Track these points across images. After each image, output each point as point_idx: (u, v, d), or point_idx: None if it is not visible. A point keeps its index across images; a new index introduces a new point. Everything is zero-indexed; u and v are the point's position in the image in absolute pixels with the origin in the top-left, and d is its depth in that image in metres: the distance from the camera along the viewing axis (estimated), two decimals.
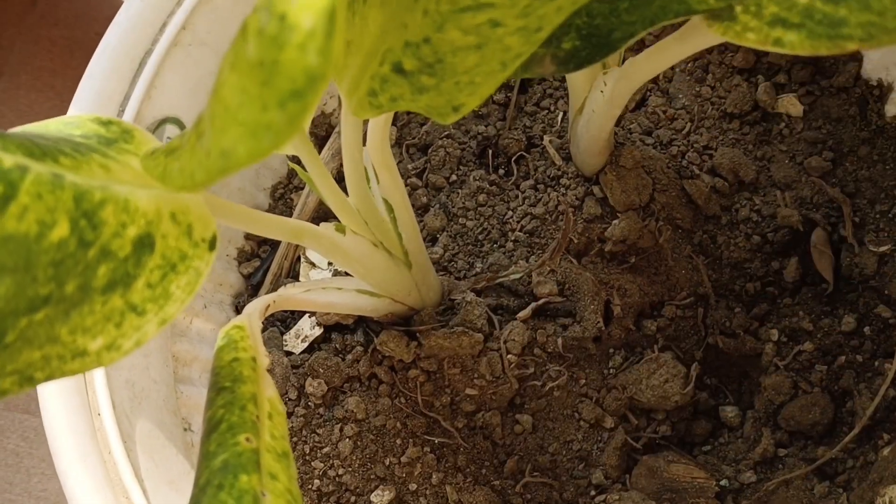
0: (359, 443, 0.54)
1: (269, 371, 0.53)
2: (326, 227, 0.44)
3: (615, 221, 0.57)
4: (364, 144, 0.44)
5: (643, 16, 0.34)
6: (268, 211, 0.63)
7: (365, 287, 0.50)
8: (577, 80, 0.52)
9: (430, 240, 0.61)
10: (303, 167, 0.42)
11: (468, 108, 0.35)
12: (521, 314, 0.55)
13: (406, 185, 0.62)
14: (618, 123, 0.61)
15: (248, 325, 0.39)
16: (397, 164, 0.62)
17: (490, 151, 0.62)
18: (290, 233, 0.41)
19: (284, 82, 0.22)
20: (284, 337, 0.57)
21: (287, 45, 0.21)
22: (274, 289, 0.59)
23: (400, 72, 0.35)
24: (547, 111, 0.62)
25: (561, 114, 0.61)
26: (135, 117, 0.50)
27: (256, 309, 0.41)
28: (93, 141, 0.33)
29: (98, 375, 0.45)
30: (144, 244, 0.31)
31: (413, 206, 0.62)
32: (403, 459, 0.54)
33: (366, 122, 0.44)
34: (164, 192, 0.32)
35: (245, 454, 0.32)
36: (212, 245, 0.33)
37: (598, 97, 0.48)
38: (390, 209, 0.48)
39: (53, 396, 0.44)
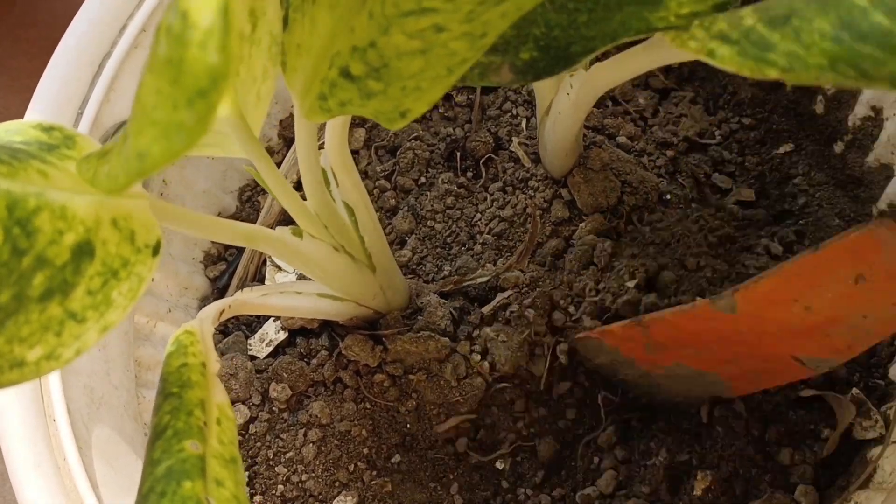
0: (323, 448, 0.53)
1: (233, 376, 0.53)
2: (283, 232, 0.44)
3: (582, 224, 0.56)
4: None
5: (603, 31, 0.34)
6: (234, 214, 0.63)
7: (327, 291, 0.50)
8: (543, 83, 0.51)
9: (399, 242, 0.61)
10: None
11: (415, 113, 0.34)
12: (486, 308, 0.55)
13: (375, 188, 0.62)
14: (587, 125, 0.61)
15: (198, 331, 0.38)
16: (366, 166, 0.62)
17: (458, 154, 0.62)
18: (242, 237, 0.40)
19: (190, 81, 0.22)
20: (249, 341, 0.57)
21: (190, 43, 0.21)
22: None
23: (347, 76, 0.35)
24: (510, 114, 0.62)
25: (524, 117, 0.61)
26: (93, 120, 0.49)
27: (209, 314, 0.40)
28: (33, 147, 0.32)
29: (54, 381, 0.45)
30: (83, 251, 0.30)
31: (382, 208, 0.62)
32: (367, 465, 0.53)
33: (324, 125, 0.44)
34: (105, 197, 0.32)
35: (190, 460, 0.32)
36: (155, 251, 0.32)
37: (565, 99, 0.48)
38: (351, 212, 0.48)
39: (7, 402, 0.43)
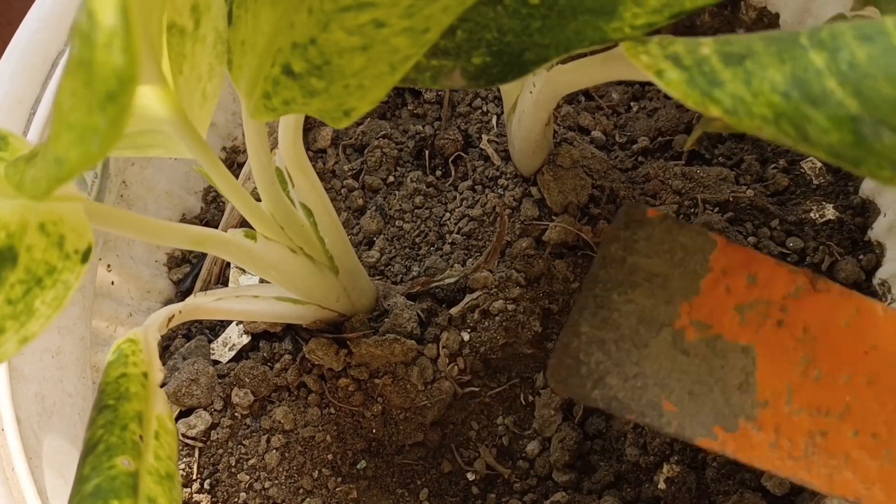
0: (286, 454, 0.52)
1: (195, 381, 0.52)
2: (235, 234, 0.42)
3: (552, 224, 0.55)
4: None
5: (557, 40, 0.32)
6: (199, 215, 0.61)
7: (286, 294, 0.48)
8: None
9: (367, 243, 0.59)
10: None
11: (359, 112, 0.33)
12: (454, 310, 0.54)
13: (342, 187, 0.61)
14: (559, 122, 0.59)
15: (142, 339, 0.37)
16: (333, 165, 0.60)
17: (427, 152, 0.60)
18: (191, 241, 0.39)
19: (100, 83, 0.20)
20: (212, 345, 0.55)
21: (96, 44, 0.20)
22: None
23: (290, 74, 0.33)
24: (480, 111, 0.60)
25: (494, 114, 0.60)
26: (46, 120, 0.48)
27: (156, 320, 0.39)
28: None
29: (2, 389, 0.44)
30: (5, 258, 0.29)
31: (349, 208, 0.60)
32: (331, 471, 0.52)
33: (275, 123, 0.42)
34: (32, 201, 0.31)
35: (119, 478, 0.31)
36: (85, 257, 0.31)
37: (528, 97, 0.47)
38: (309, 213, 0.46)
39: None
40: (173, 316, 0.41)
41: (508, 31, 0.33)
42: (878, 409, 0.33)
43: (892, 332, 0.32)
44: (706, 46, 0.27)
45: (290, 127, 0.42)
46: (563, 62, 0.46)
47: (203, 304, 0.43)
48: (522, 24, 0.33)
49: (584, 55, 0.42)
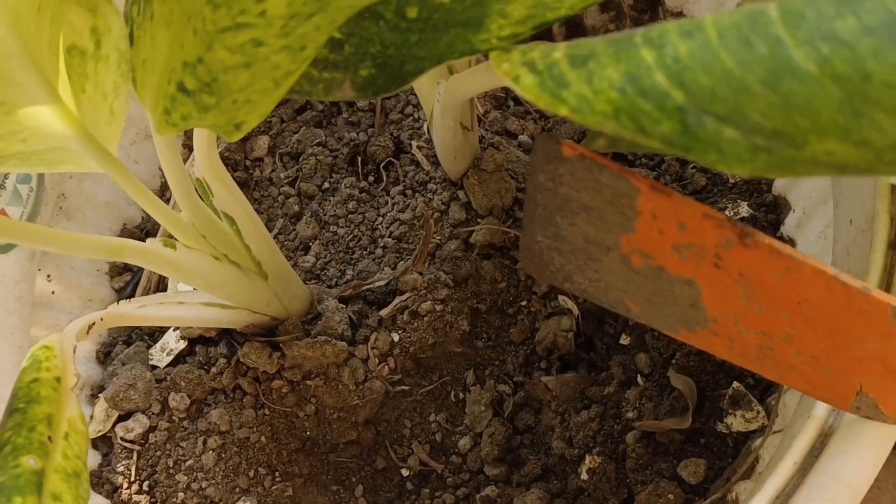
0: (222, 455, 0.54)
1: (132, 386, 0.53)
2: (153, 243, 0.44)
3: (478, 226, 0.57)
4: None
5: (431, 52, 0.34)
6: (140, 224, 0.63)
7: (214, 300, 0.50)
8: (423, 89, 0.52)
9: (303, 248, 0.61)
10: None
11: (249, 125, 0.35)
12: (384, 311, 0.55)
13: (279, 194, 0.62)
14: (484, 126, 0.61)
15: (58, 345, 0.39)
16: (270, 172, 0.62)
17: (360, 158, 0.62)
18: (107, 251, 0.41)
19: None
20: (150, 351, 0.57)
21: None
22: None
23: (184, 91, 0.35)
24: (412, 117, 0.62)
25: (425, 120, 0.61)
26: None
27: (75, 328, 0.41)
28: None
29: None
30: None
31: (286, 214, 0.62)
32: (267, 470, 0.54)
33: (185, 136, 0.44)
34: None
35: (24, 476, 0.32)
36: None
37: (436, 105, 0.49)
38: (231, 221, 0.48)
39: None
40: (94, 323, 0.42)
41: (390, 44, 0.35)
42: (816, 341, 0.34)
43: (822, 289, 0.33)
44: (559, 50, 0.29)
45: (203, 138, 0.43)
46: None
47: (126, 312, 0.45)
48: (402, 38, 0.34)
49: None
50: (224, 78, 0.34)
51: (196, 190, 0.46)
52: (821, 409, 0.39)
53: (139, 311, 0.46)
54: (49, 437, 0.35)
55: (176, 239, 0.46)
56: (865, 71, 0.22)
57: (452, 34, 0.34)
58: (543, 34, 0.64)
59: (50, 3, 0.32)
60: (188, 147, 0.65)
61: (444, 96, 0.46)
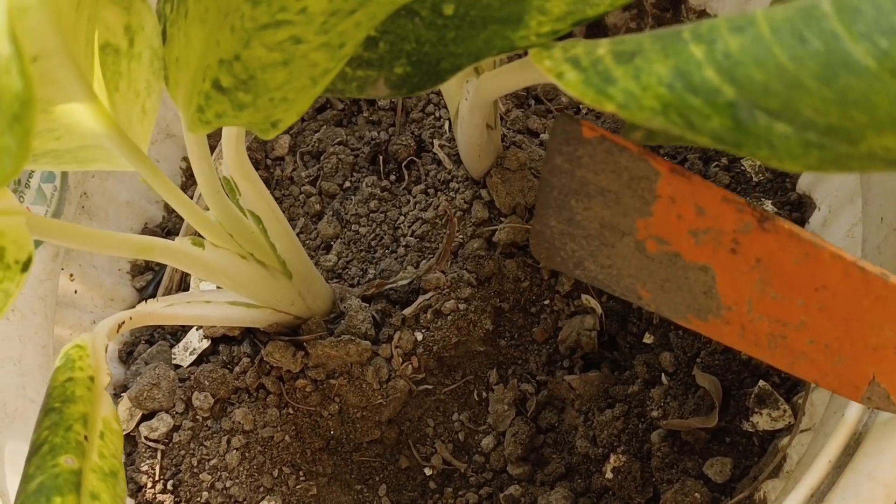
0: (246, 454, 0.54)
1: (156, 385, 0.53)
2: (182, 242, 0.44)
3: (501, 225, 0.57)
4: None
5: (468, 49, 0.34)
6: (161, 224, 0.63)
7: (240, 299, 0.50)
8: (450, 87, 0.52)
9: (325, 247, 0.61)
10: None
11: (286, 123, 0.35)
12: (407, 311, 0.55)
13: (300, 193, 0.62)
14: (506, 125, 0.61)
15: (90, 344, 0.39)
16: (291, 171, 0.62)
17: (381, 157, 0.62)
18: (137, 250, 0.41)
19: (6, 107, 0.22)
20: (173, 350, 0.57)
21: None
22: None
23: (219, 88, 0.35)
24: (433, 116, 0.62)
25: (447, 119, 0.61)
26: None
27: (105, 327, 0.41)
28: None
29: None
30: None
31: (307, 213, 0.62)
32: (291, 470, 0.54)
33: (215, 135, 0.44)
34: None
35: (62, 475, 0.32)
36: (25, 267, 0.33)
37: (464, 104, 0.49)
38: (258, 220, 0.48)
39: None
40: (123, 322, 0.42)
41: (426, 41, 0.35)
42: (830, 329, 0.34)
43: (840, 275, 0.33)
44: (602, 47, 0.29)
45: (232, 137, 0.43)
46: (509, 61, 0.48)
47: (154, 311, 0.45)
48: (438, 35, 0.34)
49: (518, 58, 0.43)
50: (261, 75, 0.33)
51: (223, 188, 0.46)
52: (854, 408, 0.39)
53: (167, 310, 0.46)
54: (85, 437, 0.34)
55: (203, 237, 0.46)
56: None
57: (490, 31, 0.33)
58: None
59: (88, 0, 0.32)
60: (210, 146, 0.65)
61: (473, 95, 0.46)
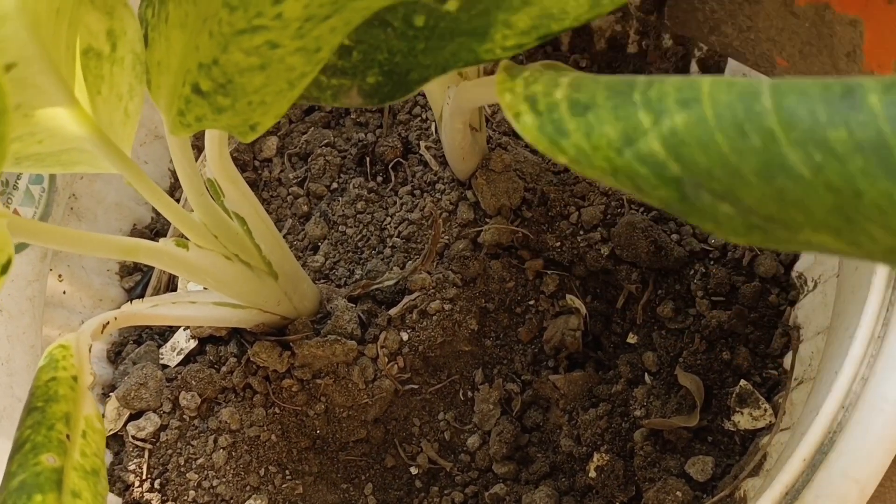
0: (233, 453, 0.54)
1: (143, 385, 0.54)
2: (166, 243, 0.44)
3: (486, 226, 0.57)
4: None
5: (436, 60, 0.34)
6: (150, 225, 0.63)
7: (226, 299, 0.50)
8: (434, 91, 0.52)
9: (312, 248, 0.61)
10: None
11: (264, 126, 0.35)
12: (393, 311, 0.56)
13: (288, 195, 0.63)
14: (492, 127, 0.61)
15: (74, 344, 0.39)
16: (279, 173, 0.63)
17: (368, 159, 0.62)
18: (120, 251, 0.41)
19: None
20: (161, 350, 0.57)
21: None
22: None
23: (199, 92, 0.36)
24: (419, 118, 0.62)
25: (433, 121, 0.62)
26: None
27: (90, 327, 0.41)
28: None
29: None
30: None
31: (295, 214, 0.63)
32: (277, 468, 0.54)
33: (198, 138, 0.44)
34: None
35: (44, 474, 0.33)
36: (4, 269, 0.33)
37: (446, 107, 0.49)
38: (242, 221, 0.48)
39: None
40: (108, 322, 0.43)
41: (397, 52, 0.35)
42: None
43: None
44: (560, 90, 0.28)
45: (215, 140, 0.44)
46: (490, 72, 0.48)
47: (139, 311, 0.45)
48: (409, 46, 0.35)
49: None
50: (239, 79, 0.34)
51: (207, 190, 0.46)
52: (829, 406, 0.40)
53: (152, 310, 0.46)
54: (67, 436, 0.35)
55: (188, 239, 0.46)
56: (856, 189, 0.21)
57: (457, 43, 0.34)
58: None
59: (68, 6, 0.32)
60: (198, 148, 0.66)
61: (453, 101, 0.46)
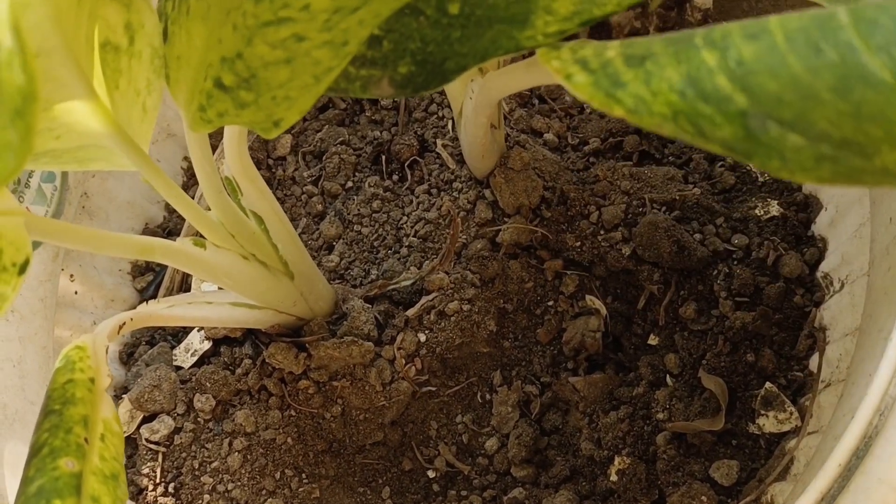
0: (248, 456, 0.53)
1: (157, 387, 0.53)
2: (183, 242, 0.43)
3: (504, 225, 0.56)
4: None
5: (474, 49, 0.33)
6: (162, 224, 0.62)
7: (241, 300, 0.50)
8: (454, 87, 0.51)
9: (327, 248, 0.60)
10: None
11: (288, 122, 0.34)
12: (410, 312, 0.55)
13: (302, 193, 0.62)
14: (510, 125, 0.61)
15: (90, 346, 0.38)
16: (293, 171, 0.62)
17: (384, 157, 0.62)
18: (137, 250, 0.40)
19: (7, 101, 0.22)
20: (174, 352, 0.56)
21: (1, 63, 0.21)
22: None
23: (221, 87, 0.35)
24: (436, 116, 0.62)
25: (449, 118, 0.61)
26: None
27: (106, 328, 0.40)
28: None
29: None
30: None
31: (309, 213, 0.62)
32: (294, 472, 0.53)
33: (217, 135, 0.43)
34: None
35: (63, 479, 0.32)
36: (22, 269, 0.32)
37: (468, 103, 0.48)
38: (260, 220, 0.48)
39: None
40: (124, 323, 0.42)
41: (431, 41, 0.34)
42: None
43: None
44: (612, 49, 0.28)
45: (234, 137, 0.43)
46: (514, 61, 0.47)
47: (155, 312, 0.44)
48: (443, 34, 0.34)
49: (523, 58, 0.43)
50: (264, 74, 0.33)
51: (225, 188, 0.45)
52: (865, 410, 0.39)
53: (168, 311, 0.45)
54: (85, 439, 0.34)
55: (205, 238, 0.45)
56: None
57: (496, 30, 0.33)
58: None
59: None
60: (213, 146, 0.65)
61: (477, 95, 0.45)
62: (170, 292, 0.59)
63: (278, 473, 0.54)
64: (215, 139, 0.59)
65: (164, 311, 0.45)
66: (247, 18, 0.32)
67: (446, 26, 0.34)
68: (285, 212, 0.61)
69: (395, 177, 0.61)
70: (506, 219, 0.56)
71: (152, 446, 0.53)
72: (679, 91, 0.25)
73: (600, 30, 0.64)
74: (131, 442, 0.55)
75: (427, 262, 0.57)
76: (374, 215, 0.60)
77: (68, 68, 0.30)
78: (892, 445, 0.37)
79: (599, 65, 0.28)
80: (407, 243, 0.58)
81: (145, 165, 0.38)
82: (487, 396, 0.57)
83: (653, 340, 0.56)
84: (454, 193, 0.58)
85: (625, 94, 0.26)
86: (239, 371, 0.54)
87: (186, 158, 0.64)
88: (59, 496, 0.31)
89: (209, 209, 0.45)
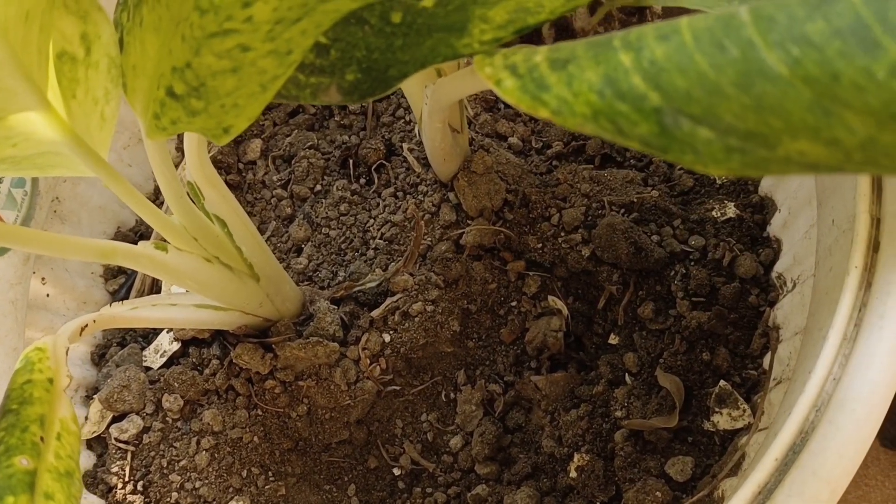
0: (216, 455, 0.54)
1: (126, 387, 0.54)
2: (145, 246, 0.44)
3: (468, 228, 0.57)
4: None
5: (415, 56, 0.35)
6: (134, 227, 0.63)
7: (207, 301, 0.51)
8: (413, 92, 0.52)
9: (296, 250, 0.62)
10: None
11: (238, 129, 0.35)
12: (375, 312, 0.56)
13: (272, 197, 0.63)
14: (475, 129, 0.62)
15: (50, 347, 0.39)
16: (263, 175, 0.63)
17: (351, 161, 0.63)
18: (98, 254, 0.41)
19: None
20: (144, 352, 0.58)
21: None
22: None
23: (173, 95, 0.36)
24: (403, 120, 0.63)
25: (416, 123, 0.62)
26: None
27: (68, 330, 0.41)
28: None
29: None
30: None
31: (279, 216, 0.63)
32: (260, 470, 0.55)
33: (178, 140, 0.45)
34: None
35: (17, 476, 0.33)
36: None
37: (425, 108, 0.49)
38: (223, 224, 0.49)
39: None
40: (87, 325, 0.43)
41: (375, 49, 0.35)
42: None
43: None
44: (539, 54, 0.29)
45: (193, 143, 0.44)
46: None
47: (119, 314, 0.45)
48: (387, 43, 0.35)
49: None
50: (212, 83, 0.34)
51: (188, 193, 0.46)
52: (802, 406, 0.40)
53: (132, 313, 0.46)
54: (41, 438, 0.35)
55: (167, 242, 0.46)
56: (834, 72, 0.22)
57: (435, 38, 0.34)
58: (534, 36, 0.65)
59: (38, 11, 0.32)
60: (182, 150, 0.66)
61: (431, 99, 0.47)
62: (140, 294, 0.60)
63: (245, 471, 0.55)
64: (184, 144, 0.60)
65: (127, 312, 0.46)
66: (194, 30, 0.33)
67: (389, 35, 0.35)
68: (255, 215, 0.63)
69: (362, 180, 0.62)
70: (469, 221, 0.58)
71: (121, 445, 0.55)
72: (598, 91, 0.26)
73: (563, 34, 0.65)
74: (101, 441, 0.56)
75: (392, 264, 0.58)
76: (341, 218, 0.61)
77: (17, 80, 0.31)
78: (827, 441, 0.38)
79: (527, 69, 0.29)
80: (373, 245, 0.60)
81: (104, 171, 0.39)
82: (452, 395, 0.58)
83: (613, 340, 0.57)
84: (419, 196, 0.59)
85: (549, 97, 0.27)
86: (207, 371, 0.56)
87: None
88: (13, 492, 0.32)
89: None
